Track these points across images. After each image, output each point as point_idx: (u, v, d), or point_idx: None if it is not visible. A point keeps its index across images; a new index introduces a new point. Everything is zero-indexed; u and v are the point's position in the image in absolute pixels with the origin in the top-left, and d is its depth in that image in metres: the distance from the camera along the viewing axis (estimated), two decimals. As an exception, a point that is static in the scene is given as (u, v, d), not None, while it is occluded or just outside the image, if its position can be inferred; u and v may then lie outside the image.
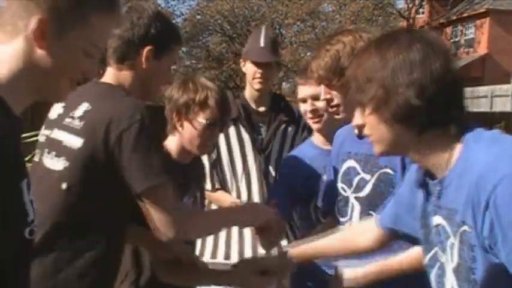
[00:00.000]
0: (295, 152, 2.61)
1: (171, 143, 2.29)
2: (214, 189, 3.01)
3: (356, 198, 2.07)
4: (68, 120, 1.91)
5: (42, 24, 1.22)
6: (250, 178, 2.98)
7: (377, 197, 2.02)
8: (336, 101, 2.10)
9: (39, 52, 1.24)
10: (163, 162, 1.85)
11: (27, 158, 6.25)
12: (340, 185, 2.15)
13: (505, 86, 22.41)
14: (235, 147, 2.99)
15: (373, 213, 2.02)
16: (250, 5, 27.61)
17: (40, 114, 2.06)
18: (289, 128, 3.04)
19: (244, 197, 2.98)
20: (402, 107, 1.37)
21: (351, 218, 2.10)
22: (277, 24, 27.64)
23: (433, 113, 1.38)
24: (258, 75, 2.99)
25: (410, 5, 28.64)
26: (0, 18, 1.24)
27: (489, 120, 17.53)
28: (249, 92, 3.08)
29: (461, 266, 1.36)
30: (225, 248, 2.97)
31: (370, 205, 2.04)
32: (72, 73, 1.31)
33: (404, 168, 1.98)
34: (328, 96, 2.10)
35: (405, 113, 1.38)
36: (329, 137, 2.40)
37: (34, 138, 6.10)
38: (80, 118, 1.89)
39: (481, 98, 22.76)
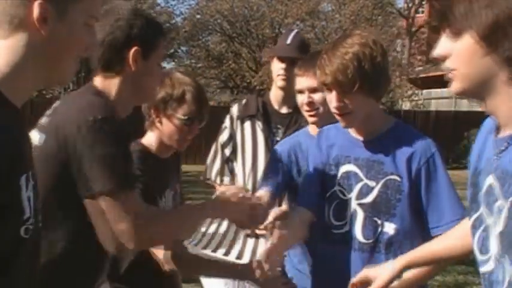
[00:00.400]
0: (291, 138, 2.63)
1: (151, 139, 2.32)
2: (222, 184, 3.06)
3: (359, 204, 2.06)
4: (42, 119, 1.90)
5: (42, 9, 1.20)
6: (257, 178, 2.96)
7: (382, 204, 2.03)
8: (349, 108, 2.02)
9: (43, 37, 1.22)
10: (126, 164, 1.78)
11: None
12: (337, 188, 2.12)
13: None
14: (248, 145, 2.99)
15: (378, 220, 2.04)
16: (249, 5, 27.57)
17: (40, 114, 2.05)
18: None
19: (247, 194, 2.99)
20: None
21: (350, 223, 2.08)
22: (277, 24, 27.60)
23: None
24: (281, 71, 2.97)
25: (410, 4, 28.62)
26: None
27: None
28: (274, 92, 3.06)
29: (508, 233, 1.27)
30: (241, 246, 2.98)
31: (374, 212, 2.05)
32: (78, 50, 1.32)
33: (410, 174, 2.00)
34: (341, 104, 2.02)
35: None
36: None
37: (34, 138, 6.09)
38: (48, 116, 1.89)
39: (480, 98, 22.71)
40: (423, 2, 30.38)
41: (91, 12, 1.31)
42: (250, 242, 2.97)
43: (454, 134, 17.25)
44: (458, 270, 6.40)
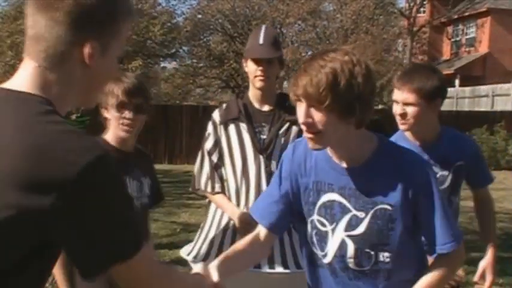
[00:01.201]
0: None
1: (108, 136, 2.61)
2: (213, 192, 3.01)
3: (349, 236, 1.95)
4: None
5: (93, 48, 1.37)
6: (249, 180, 2.94)
7: (374, 235, 1.93)
8: (318, 127, 1.81)
9: (89, 70, 1.40)
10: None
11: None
12: (316, 217, 1.99)
13: (506, 85, 22.39)
14: (236, 147, 2.96)
15: (371, 251, 1.94)
16: (251, 4, 27.57)
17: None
18: (293, 128, 2.97)
19: (242, 198, 2.94)
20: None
21: (340, 254, 1.98)
22: (278, 24, 27.59)
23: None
24: (259, 72, 2.94)
25: (412, 4, 28.59)
26: (42, 42, 1.36)
27: (490, 119, 17.54)
28: (252, 92, 3.03)
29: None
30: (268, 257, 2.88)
31: (366, 243, 1.94)
32: (110, 80, 1.51)
33: (402, 201, 1.90)
34: (309, 120, 1.81)
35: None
36: (417, 134, 2.76)
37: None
38: None
39: (481, 97, 22.75)
40: (424, 2, 30.36)
41: (123, 46, 1.46)
42: None
43: (456, 133, 17.22)
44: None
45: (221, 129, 2.99)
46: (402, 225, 1.91)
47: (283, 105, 3.00)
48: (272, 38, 3.00)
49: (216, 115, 3.04)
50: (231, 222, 2.97)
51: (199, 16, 28.56)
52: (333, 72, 1.76)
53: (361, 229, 1.93)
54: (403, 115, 2.69)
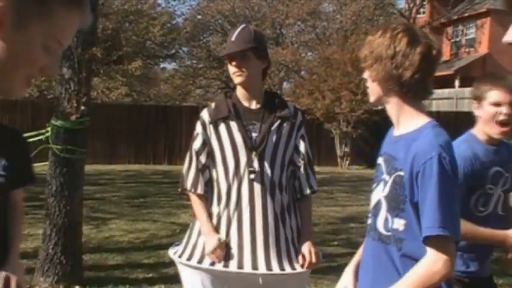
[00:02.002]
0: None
1: None
2: (195, 192, 2.96)
3: (384, 197, 2.12)
4: None
5: (1, 13, 1.15)
6: (241, 178, 2.90)
7: (392, 199, 2.07)
8: None
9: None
10: None
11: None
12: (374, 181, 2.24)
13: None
14: (228, 146, 2.92)
15: (389, 216, 2.08)
16: (251, 5, 27.58)
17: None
18: (284, 125, 2.96)
19: (233, 197, 2.90)
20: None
21: (374, 214, 2.16)
22: (278, 24, 27.60)
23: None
24: (233, 69, 2.92)
25: (411, 5, 28.59)
26: None
27: (490, 120, 17.53)
28: (239, 91, 3.00)
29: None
30: (238, 257, 2.87)
31: (388, 206, 2.09)
32: (28, 69, 1.23)
33: (411, 174, 2.00)
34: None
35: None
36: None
37: (35, 138, 6.08)
38: None
39: (481, 98, 22.71)
40: (424, 3, 30.36)
41: (55, 35, 1.24)
42: (247, 247, 2.85)
43: (456, 134, 17.25)
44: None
45: (211, 129, 2.95)
46: (410, 196, 2.01)
47: (273, 103, 2.98)
48: (246, 34, 2.95)
49: (205, 114, 3.00)
50: (222, 221, 2.92)
51: (199, 17, 28.56)
52: None
53: (386, 191, 2.10)
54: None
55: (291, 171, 3.00)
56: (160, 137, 16.90)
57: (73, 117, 5.14)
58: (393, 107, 2.13)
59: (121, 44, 23.26)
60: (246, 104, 2.99)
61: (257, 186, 2.89)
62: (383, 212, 2.11)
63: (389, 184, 2.08)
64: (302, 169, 3.00)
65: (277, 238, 2.88)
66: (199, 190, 2.95)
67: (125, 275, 5.71)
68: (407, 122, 2.11)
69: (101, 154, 16.82)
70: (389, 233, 2.09)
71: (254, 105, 2.99)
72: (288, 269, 2.86)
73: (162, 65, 31.00)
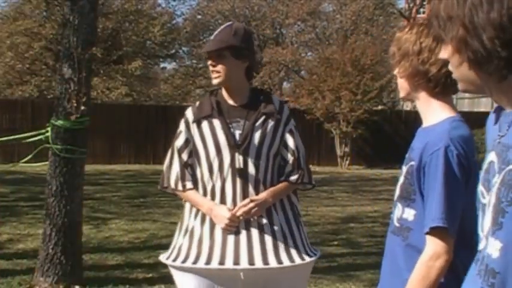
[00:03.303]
0: None
1: None
2: (185, 190, 2.93)
3: (399, 187, 2.14)
4: None
5: None
6: (225, 177, 2.85)
7: (404, 189, 2.08)
8: None
9: None
10: None
11: (25, 159, 6.19)
12: None
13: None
14: (211, 144, 2.87)
15: (400, 205, 2.09)
16: (250, 5, 27.59)
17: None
18: (269, 121, 2.89)
19: (217, 195, 2.86)
20: (479, 50, 1.22)
21: (394, 206, 2.15)
22: (278, 24, 27.61)
23: None
24: (211, 68, 2.88)
25: (411, 5, 28.59)
26: None
27: (490, 120, 17.53)
28: (223, 89, 2.95)
29: (497, 206, 1.23)
30: (234, 253, 2.81)
31: (402, 196, 2.09)
32: None
33: (420, 164, 2.00)
34: None
35: (483, 58, 1.22)
36: None
37: (35, 138, 6.06)
38: None
39: (481, 98, 22.75)
40: (424, 3, 30.35)
41: None
42: (231, 242, 2.81)
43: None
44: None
45: (194, 128, 2.91)
46: (418, 187, 2.01)
47: (258, 99, 2.93)
48: (226, 33, 2.89)
49: (189, 113, 2.97)
50: (207, 218, 2.88)
51: (199, 17, 28.57)
52: None
53: (401, 181, 2.10)
54: None
55: (280, 167, 2.93)
56: (160, 137, 16.87)
57: (73, 117, 5.13)
58: (422, 102, 2.12)
59: (121, 44, 23.26)
60: (230, 101, 2.93)
61: (241, 185, 2.84)
62: (398, 203, 2.12)
63: (403, 174, 2.09)
64: (291, 164, 2.92)
65: (261, 236, 2.83)
66: (189, 185, 2.91)
67: (124, 275, 5.71)
68: (432, 116, 2.10)
69: (101, 154, 16.82)
70: (395, 222, 2.10)
71: (239, 103, 2.92)
72: (273, 264, 2.80)
73: (162, 65, 31.01)
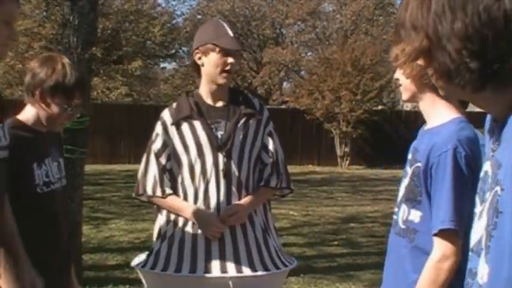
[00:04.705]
0: None
1: (28, 114, 2.45)
2: (164, 195, 2.80)
3: (404, 188, 2.13)
4: None
5: None
6: (208, 179, 2.75)
7: (410, 190, 2.07)
8: None
9: None
10: None
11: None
12: None
13: None
14: (192, 146, 2.76)
15: (405, 207, 2.07)
16: (250, 5, 27.57)
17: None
18: (251, 122, 2.82)
19: (200, 198, 2.75)
20: (446, 63, 1.13)
21: (398, 208, 2.15)
22: (278, 24, 27.61)
23: (486, 68, 1.11)
24: (228, 66, 2.75)
25: (411, 5, 28.48)
26: None
27: (490, 120, 17.55)
28: (206, 88, 2.83)
29: (487, 228, 1.18)
30: (220, 260, 2.71)
31: (407, 197, 2.08)
32: (0, 37, 1.89)
33: (426, 166, 1.99)
34: None
35: (450, 70, 1.13)
36: None
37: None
38: None
39: (481, 98, 22.74)
40: (424, 3, 30.29)
41: (9, 13, 1.89)
42: (215, 249, 2.70)
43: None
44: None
45: (173, 130, 2.80)
46: (425, 188, 2.01)
47: (237, 100, 2.86)
48: (234, 33, 2.90)
49: (166, 115, 2.85)
50: (189, 223, 2.77)
51: (199, 17, 28.54)
52: None
53: (406, 182, 2.11)
54: None
55: (259, 170, 2.86)
56: (160, 137, 16.90)
57: (73, 117, 5.14)
58: (426, 102, 2.11)
59: (121, 44, 23.25)
60: (209, 102, 2.84)
61: (224, 187, 2.75)
62: (403, 205, 2.11)
63: (409, 175, 2.08)
64: (270, 167, 2.85)
65: (245, 239, 2.75)
66: (168, 191, 2.80)
67: (124, 275, 5.71)
68: (437, 117, 2.09)
69: (101, 154, 16.83)
70: (401, 224, 2.09)
71: (219, 103, 2.84)
72: (260, 271, 2.72)
73: (162, 65, 30.98)
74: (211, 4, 27.71)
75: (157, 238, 2.86)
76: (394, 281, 2.13)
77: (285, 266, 2.83)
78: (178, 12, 44.73)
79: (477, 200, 1.30)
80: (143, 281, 2.89)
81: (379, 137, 18.54)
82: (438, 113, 2.09)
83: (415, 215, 2.04)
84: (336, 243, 7.41)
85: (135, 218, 8.76)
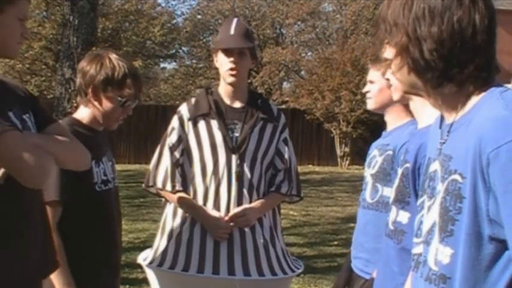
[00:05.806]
0: None
1: (83, 114, 2.44)
2: (174, 191, 2.80)
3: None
4: None
5: None
6: (220, 179, 2.74)
7: (399, 191, 2.08)
8: None
9: None
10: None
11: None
12: None
13: (506, 86, 22.40)
14: (206, 145, 2.76)
15: (394, 207, 2.09)
16: (250, 5, 27.57)
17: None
18: (267, 127, 2.82)
19: (211, 199, 2.75)
20: (418, 59, 1.34)
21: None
22: (278, 24, 27.62)
23: (448, 70, 1.34)
24: (230, 65, 2.74)
25: (411, 5, 28.50)
26: None
27: (490, 120, 17.55)
28: (223, 88, 2.84)
29: (444, 215, 1.32)
30: (228, 262, 2.71)
31: (396, 198, 2.10)
32: (15, 36, 1.93)
33: (415, 163, 2.00)
34: None
35: (421, 66, 1.35)
36: None
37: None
38: None
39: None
40: (424, 3, 30.30)
41: (23, 11, 1.93)
42: (224, 250, 2.70)
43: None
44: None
45: (189, 126, 2.80)
46: (413, 188, 2.03)
47: (256, 103, 2.85)
48: (244, 30, 2.83)
49: (184, 110, 2.84)
50: (197, 224, 2.76)
51: (199, 17, 28.56)
52: None
53: (396, 183, 2.15)
54: None
55: (271, 175, 2.85)
56: (160, 137, 16.79)
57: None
58: (417, 103, 2.10)
59: (121, 44, 23.26)
60: (228, 102, 2.83)
61: (236, 189, 2.75)
62: (393, 207, 2.12)
63: (398, 176, 2.10)
64: (282, 173, 2.85)
65: (254, 242, 2.75)
66: (178, 187, 2.80)
67: (124, 275, 5.70)
68: (427, 116, 2.06)
69: (101, 154, 16.83)
70: (393, 227, 2.09)
71: (237, 104, 2.83)
72: (267, 275, 2.72)
73: (162, 65, 30.99)
74: (211, 4, 27.71)
75: (163, 234, 2.88)
76: (383, 282, 2.12)
77: (292, 271, 2.83)
78: (178, 12, 44.78)
79: (424, 196, 1.45)
80: (148, 278, 2.89)
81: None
82: (428, 113, 2.06)
83: (404, 216, 2.04)
84: (336, 243, 7.42)
85: (135, 218, 8.76)
